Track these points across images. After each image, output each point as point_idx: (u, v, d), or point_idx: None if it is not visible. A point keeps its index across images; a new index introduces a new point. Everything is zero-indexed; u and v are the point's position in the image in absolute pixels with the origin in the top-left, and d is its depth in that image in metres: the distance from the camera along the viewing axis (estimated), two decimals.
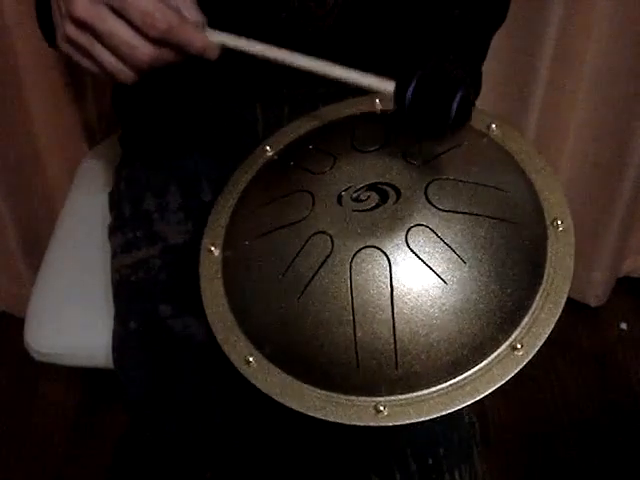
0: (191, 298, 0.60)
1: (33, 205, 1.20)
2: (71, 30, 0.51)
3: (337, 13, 0.67)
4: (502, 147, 0.58)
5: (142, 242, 0.72)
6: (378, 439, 0.62)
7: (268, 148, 0.64)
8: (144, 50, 0.51)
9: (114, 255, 0.75)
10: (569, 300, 1.48)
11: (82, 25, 0.51)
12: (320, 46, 0.69)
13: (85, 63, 0.54)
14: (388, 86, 0.52)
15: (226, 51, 0.72)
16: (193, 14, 0.53)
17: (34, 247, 1.20)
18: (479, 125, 0.59)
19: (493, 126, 0.58)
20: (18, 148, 1.12)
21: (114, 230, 0.77)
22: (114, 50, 0.52)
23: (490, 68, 0.74)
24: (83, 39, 0.52)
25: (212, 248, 0.60)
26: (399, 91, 0.51)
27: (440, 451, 0.62)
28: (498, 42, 0.76)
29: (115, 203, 0.79)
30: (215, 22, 0.69)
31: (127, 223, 0.75)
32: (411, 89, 0.50)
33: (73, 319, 0.81)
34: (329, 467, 0.64)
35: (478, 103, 0.75)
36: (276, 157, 0.63)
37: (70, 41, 0.52)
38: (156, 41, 0.51)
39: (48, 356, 0.81)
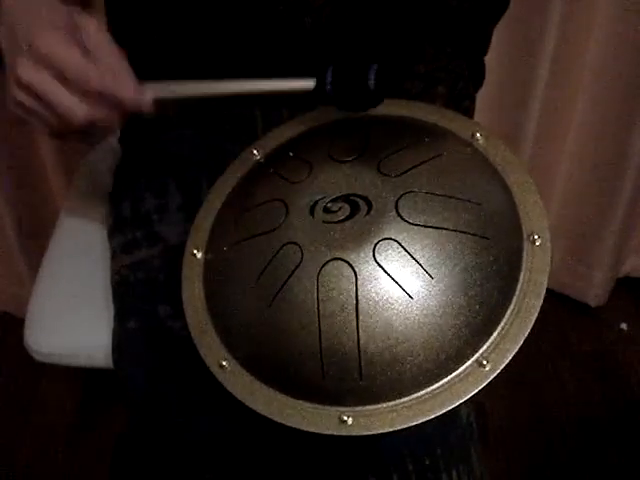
0: None
1: (33, 205, 1.20)
2: (18, 94, 0.56)
3: (334, 3, 0.67)
4: (485, 157, 0.57)
5: (142, 243, 0.72)
6: (375, 439, 0.62)
7: (255, 152, 0.64)
8: (78, 110, 0.55)
9: (114, 256, 0.75)
10: (569, 300, 1.47)
11: (26, 88, 0.55)
12: (318, 37, 0.69)
13: (33, 122, 0.58)
14: (309, 82, 0.54)
15: (226, 50, 0.72)
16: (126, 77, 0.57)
17: (34, 247, 1.20)
18: (464, 134, 0.59)
19: (478, 135, 0.58)
20: (18, 148, 1.13)
21: (114, 231, 0.77)
22: (53, 110, 0.56)
23: (490, 68, 0.74)
24: (29, 101, 0.56)
25: (195, 251, 0.60)
26: (319, 80, 0.54)
27: (437, 451, 0.62)
28: (498, 42, 0.76)
29: (115, 203, 0.79)
30: (213, 18, 0.69)
31: (127, 224, 0.75)
32: (329, 73, 0.53)
33: (73, 319, 0.81)
34: (327, 468, 0.64)
35: (479, 104, 0.75)
36: (262, 161, 0.64)
37: (18, 103, 0.57)
38: (91, 100, 0.55)
39: (48, 356, 0.81)
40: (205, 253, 0.60)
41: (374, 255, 0.50)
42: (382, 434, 0.49)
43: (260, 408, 0.52)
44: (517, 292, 0.51)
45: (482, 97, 0.75)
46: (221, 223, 0.61)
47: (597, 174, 1.20)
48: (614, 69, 1.09)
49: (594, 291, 1.33)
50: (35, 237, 1.20)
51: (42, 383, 1.27)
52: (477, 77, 0.74)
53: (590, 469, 1.15)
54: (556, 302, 1.35)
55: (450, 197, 0.53)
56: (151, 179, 0.76)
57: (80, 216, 0.92)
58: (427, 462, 0.61)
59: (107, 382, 1.21)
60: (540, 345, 1.30)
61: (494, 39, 0.75)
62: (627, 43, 1.05)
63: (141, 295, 0.69)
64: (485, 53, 0.74)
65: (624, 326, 1.35)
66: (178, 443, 0.64)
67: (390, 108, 0.62)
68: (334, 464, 0.63)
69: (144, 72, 0.72)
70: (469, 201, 0.53)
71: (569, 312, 1.35)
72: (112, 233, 0.77)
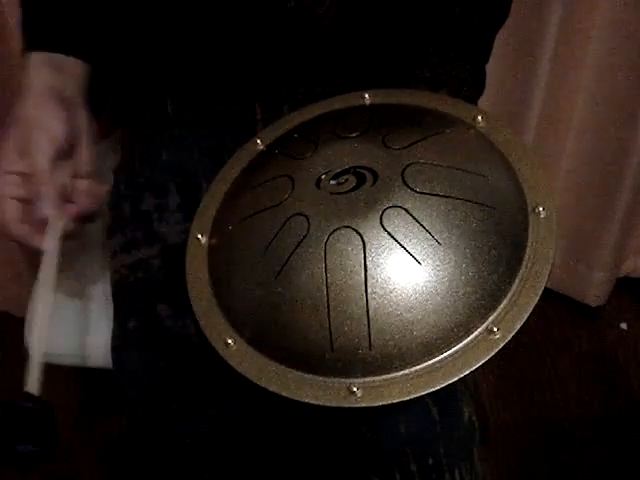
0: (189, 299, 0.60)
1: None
2: None
3: (335, 11, 0.67)
4: (487, 138, 0.58)
5: (141, 242, 0.72)
6: (379, 439, 0.62)
7: (259, 141, 0.65)
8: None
9: (113, 255, 0.75)
10: (569, 300, 1.47)
11: None
12: (319, 42, 0.70)
13: None
14: None
15: (227, 52, 0.72)
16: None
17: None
18: (465, 117, 0.59)
19: (479, 117, 0.58)
20: None
21: (113, 230, 0.77)
22: None
23: (490, 68, 0.74)
24: None
25: (199, 236, 0.60)
26: None
27: (440, 451, 0.62)
28: (498, 42, 0.76)
29: (114, 203, 0.79)
30: (213, 22, 0.69)
31: (126, 223, 0.75)
32: None
33: (73, 319, 0.81)
34: (329, 467, 0.64)
35: (479, 103, 0.75)
36: (265, 149, 0.64)
37: None
38: None
39: (48, 356, 0.81)
40: (209, 238, 0.60)
41: (381, 222, 0.50)
42: (391, 406, 0.48)
43: (266, 384, 0.52)
44: (524, 261, 0.51)
45: (482, 97, 0.75)
46: (226, 207, 0.62)
47: (597, 174, 1.20)
48: (614, 69, 1.09)
49: (594, 291, 1.33)
50: None
51: (42, 383, 1.27)
52: (478, 85, 0.74)
53: (590, 469, 1.15)
54: (556, 302, 1.35)
55: (455, 168, 0.53)
56: (151, 179, 0.76)
57: None
58: (430, 462, 0.61)
59: (107, 382, 1.20)
60: (540, 345, 1.30)
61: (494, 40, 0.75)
62: (627, 43, 1.05)
63: (140, 295, 0.69)
64: (487, 60, 0.75)
65: (624, 326, 1.35)
66: (177, 442, 0.64)
67: (390, 97, 0.63)
68: (336, 463, 0.63)
69: (144, 75, 0.72)
70: (474, 173, 0.53)
71: (569, 312, 1.35)
72: (112, 233, 0.77)
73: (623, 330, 1.35)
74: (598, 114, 1.14)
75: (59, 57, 0.67)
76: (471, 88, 0.72)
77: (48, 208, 0.61)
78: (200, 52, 0.73)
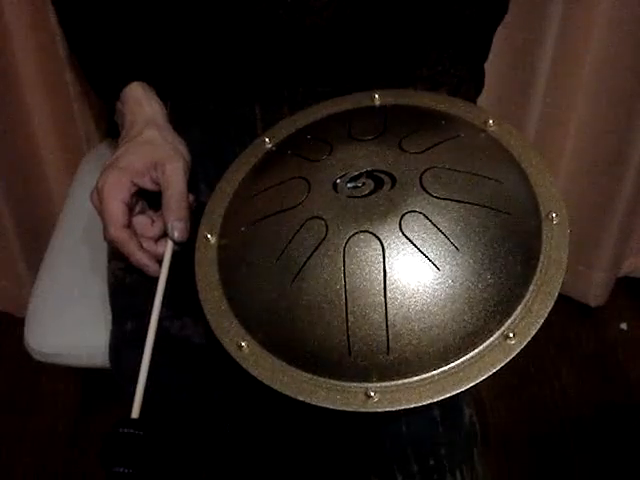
0: (188, 299, 0.59)
1: (33, 205, 1.20)
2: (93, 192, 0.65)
3: (335, 6, 0.67)
4: (498, 142, 0.58)
5: None
6: (379, 439, 0.62)
7: (267, 140, 0.64)
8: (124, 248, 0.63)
9: (111, 257, 0.74)
10: (569, 300, 1.46)
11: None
12: (319, 40, 0.69)
13: None
14: None
15: (227, 52, 0.72)
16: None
17: (34, 247, 1.20)
18: (476, 121, 0.59)
19: (490, 122, 0.59)
20: (18, 148, 1.12)
21: None
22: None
23: (490, 68, 0.74)
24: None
25: (209, 236, 0.60)
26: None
27: (442, 451, 0.62)
28: (498, 42, 0.76)
29: None
30: (213, 22, 0.69)
31: None
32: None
33: (73, 319, 0.81)
34: (329, 468, 0.64)
35: (478, 103, 0.75)
36: (274, 148, 0.64)
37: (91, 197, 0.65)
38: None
39: (48, 356, 0.81)
40: (219, 238, 0.60)
41: (400, 227, 0.50)
42: (406, 410, 0.48)
43: (281, 387, 0.51)
44: (539, 267, 0.51)
45: (482, 97, 0.76)
46: (235, 207, 0.61)
47: (597, 174, 1.20)
48: (614, 69, 1.08)
49: (594, 291, 1.33)
50: (35, 237, 1.20)
51: (42, 383, 1.27)
52: (477, 83, 0.74)
53: (590, 469, 1.15)
54: (556, 302, 1.34)
55: (472, 174, 0.53)
56: None
57: (80, 216, 0.92)
58: (431, 462, 0.61)
59: (107, 382, 1.20)
60: (540, 345, 1.30)
61: (494, 39, 0.75)
62: (627, 43, 1.05)
63: (138, 296, 0.69)
64: (485, 59, 0.75)
65: (624, 326, 1.35)
66: (174, 443, 0.64)
67: (400, 99, 0.63)
68: (337, 464, 0.63)
69: (143, 75, 0.72)
70: (489, 178, 0.53)
71: (569, 312, 1.35)
72: None
73: (623, 330, 1.35)
74: (598, 114, 1.14)
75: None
76: (470, 87, 0.72)
77: (182, 233, 0.62)
78: (200, 52, 0.73)
